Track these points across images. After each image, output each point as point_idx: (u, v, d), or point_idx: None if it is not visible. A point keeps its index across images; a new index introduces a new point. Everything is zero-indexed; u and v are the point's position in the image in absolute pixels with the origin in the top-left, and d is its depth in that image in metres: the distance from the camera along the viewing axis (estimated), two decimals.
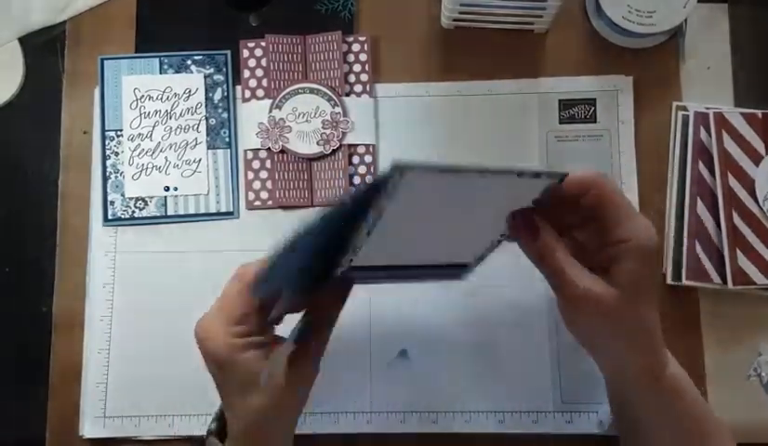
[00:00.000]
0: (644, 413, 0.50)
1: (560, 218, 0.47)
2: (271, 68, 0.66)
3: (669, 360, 0.50)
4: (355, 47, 0.66)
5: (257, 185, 0.65)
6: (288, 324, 0.50)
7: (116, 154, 0.66)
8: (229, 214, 0.65)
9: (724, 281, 0.61)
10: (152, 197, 0.65)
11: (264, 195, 0.65)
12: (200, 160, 0.66)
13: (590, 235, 0.47)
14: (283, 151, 0.65)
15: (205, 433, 0.62)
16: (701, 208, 0.62)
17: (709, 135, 0.63)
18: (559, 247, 0.45)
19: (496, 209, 0.46)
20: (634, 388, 0.49)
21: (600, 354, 0.51)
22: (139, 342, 0.64)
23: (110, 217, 0.65)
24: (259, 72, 0.66)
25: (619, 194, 0.46)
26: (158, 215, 0.65)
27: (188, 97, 0.67)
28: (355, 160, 0.65)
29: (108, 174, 0.66)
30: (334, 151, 0.65)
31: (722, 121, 0.63)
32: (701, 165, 0.63)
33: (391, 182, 0.38)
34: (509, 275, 0.62)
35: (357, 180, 0.65)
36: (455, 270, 0.52)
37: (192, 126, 0.66)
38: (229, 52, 0.67)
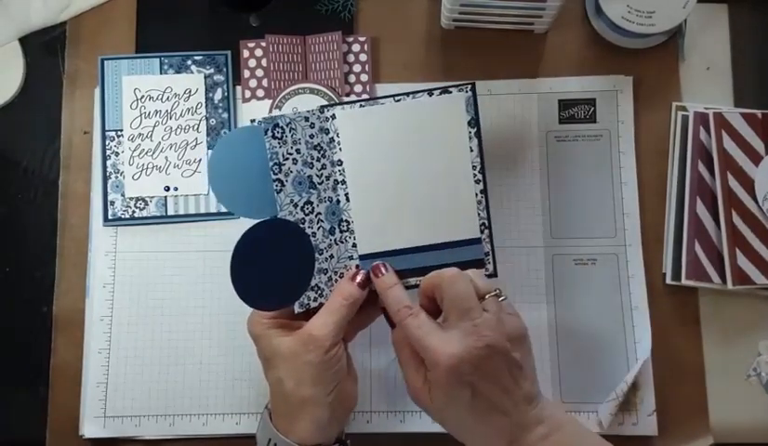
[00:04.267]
0: None
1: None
2: (272, 68, 0.66)
3: None
4: (355, 48, 0.66)
5: None
6: None
7: (116, 154, 0.66)
8: (229, 214, 0.65)
9: (724, 280, 0.61)
10: (152, 197, 0.65)
11: None
12: (200, 160, 0.66)
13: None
14: None
15: (204, 433, 0.63)
16: (701, 208, 0.62)
17: (709, 135, 0.63)
18: (406, 345, 0.52)
19: (440, 137, 0.55)
20: None
21: None
22: (139, 342, 0.64)
23: (110, 217, 0.65)
24: (259, 73, 0.66)
25: (414, 334, 0.50)
26: (158, 215, 0.65)
27: (188, 97, 0.67)
28: None
29: (108, 174, 0.66)
30: None
31: (722, 121, 0.63)
32: (701, 165, 0.63)
33: (270, 129, 0.53)
34: (510, 277, 0.62)
35: None
36: (471, 249, 0.55)
37: (193, 126, 0.66)
38: (229, 52, 0.67)
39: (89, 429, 0.62)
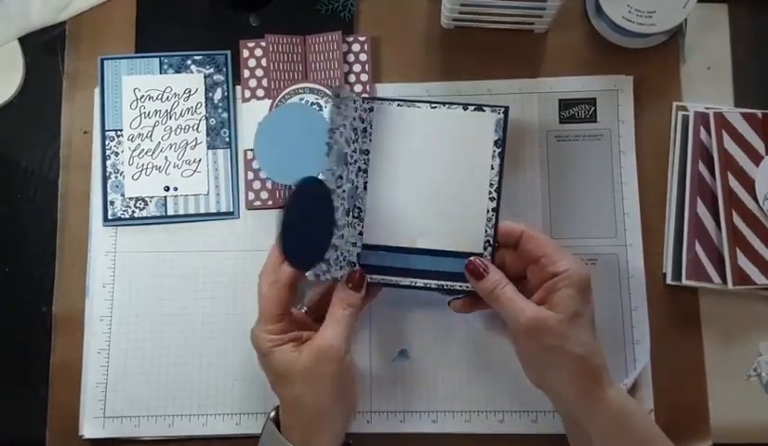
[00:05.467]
0: (593, 430, 0.52)
1: (509, 268, 0.56)
2: (271, 68, 0.65)
3: (612, 385, 0.53)
4: (355, 47, 0.66)
5: (257, 185, 0.65)
6: None
7: (116, 154, 0.66)
8: (229, 214, 0.65)
9: (724, 281, 0.61)
10: (152, 197, 0.65)
11: (264, 195, 0.65)
12: (200, 160, 0.66)
13: (533, 275, 0.55)
14: None
15: (204, 433, 0.63)
16: (701, 208, 0.62)
17: (709, 135, 0.63)
18: (506, 283, 0.53)
19: (464, 150, 0.56)
20: (580, 410, 0.52)
21: (547, 385, 0.54)
22: (138, 342, 0.64)
23: (110, 217, 0.65)
24: (259, 72, 0.66)
25: (548, 237, 0.55)
26: (158, 215, 0.65)
27: (188, 97, 0.67)
28: None
29: (108, 174, 0.66)
30: None
31: (722, 121, 0.63)
32: (701, 165, 0.63)
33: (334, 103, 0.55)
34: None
35: None
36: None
37: (192, 126, 0.66)
38: (229, 52, 0.67)
39: (89, 430, 0.62)
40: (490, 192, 0.56)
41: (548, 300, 0.52)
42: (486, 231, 0.56)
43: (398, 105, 0.57)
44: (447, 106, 0.57)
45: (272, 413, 0.55)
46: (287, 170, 0.61)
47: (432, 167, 0.57)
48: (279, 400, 0.54)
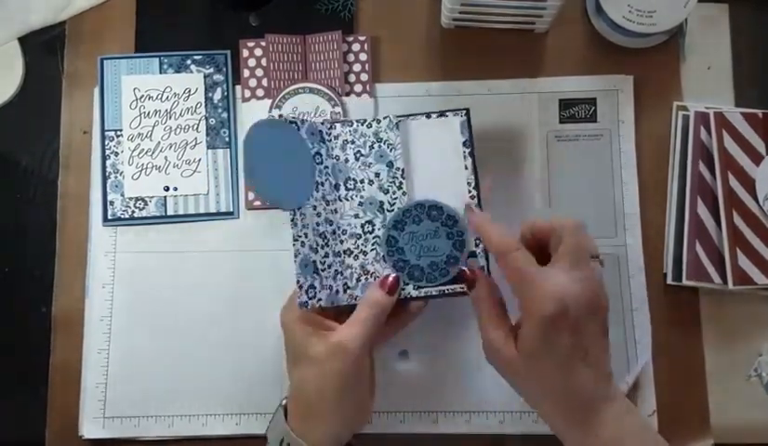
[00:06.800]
0: None
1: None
2: (271, 68, 0.65)
3: (612, 404, 0.48)
4: (355, 47, 0.66)
5: None
6: None
7: (116, 154, 0.66)
8: (229, 214, 0.65)
9: (725, 281, 0.61)
10: (151, 197, 0.65)
11: None
12: (200, 160, 0.66)
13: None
14: None
15: (204, 433, 0.63)
16: (701, 208, 0.62)
17: (710, 134, 0.63)
18: (486, 301, 0.52)
19: (438, 156, 0.57)
20: (569, 440, 0.49)
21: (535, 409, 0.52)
22: (138, 342, 0.64)
23: (109, 217, 0.65)
24: (259, 72, 0.66)
25: (522, 267, 0.49)
26: (158, 215, 0.65)
27: (188, 96, 0.67)
28: None
29: (108, 174, 0.66)
30: None
31: (723, 121, 0.63)
32: (701, 165, 0.63)
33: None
34: None
35: None
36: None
37: (192, 126, 0.66)
38: (229, 52, 0.67)
39: (89, 430, 0.62)
40: (470, 191, 0.56)
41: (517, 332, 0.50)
42: None
43: (361, 125, 0.57)
44: (411, 118, 0.57)
45: (284, 401, 0.55)
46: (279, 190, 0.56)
47: (410, 177, 0.57)
48: (289, 378, 0.54)
